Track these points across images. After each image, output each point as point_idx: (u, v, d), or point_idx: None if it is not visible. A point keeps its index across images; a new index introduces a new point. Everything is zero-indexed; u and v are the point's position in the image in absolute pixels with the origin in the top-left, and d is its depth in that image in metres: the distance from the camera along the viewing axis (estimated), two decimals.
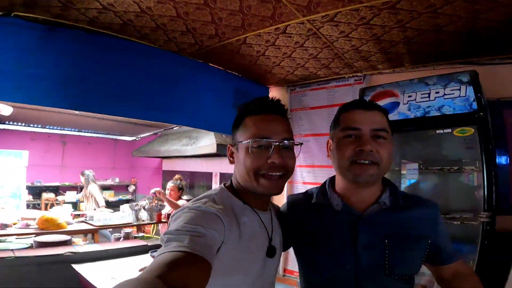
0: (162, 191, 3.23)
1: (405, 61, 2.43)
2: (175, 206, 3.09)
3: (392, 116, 2.14)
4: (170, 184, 3.30)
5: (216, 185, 5.03)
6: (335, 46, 2.17)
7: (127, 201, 6.56)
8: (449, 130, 2.06)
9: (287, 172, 0.80)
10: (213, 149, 3.87)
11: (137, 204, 3.39)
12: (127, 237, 3.08)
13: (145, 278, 0.46)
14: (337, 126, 0.90)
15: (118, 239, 3.12)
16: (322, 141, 2.94)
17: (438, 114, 2.03)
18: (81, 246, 2.56)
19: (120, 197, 6.66)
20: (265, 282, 0.84)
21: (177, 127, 5.11)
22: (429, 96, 2.06)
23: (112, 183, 6.72)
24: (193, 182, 5.58)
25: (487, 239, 1.81)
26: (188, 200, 3.40)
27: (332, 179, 0.97)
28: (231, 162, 0.87)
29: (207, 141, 4.04)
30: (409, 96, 2.13)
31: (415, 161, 2.24)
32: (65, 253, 2.26)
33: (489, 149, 1.88)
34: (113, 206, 5.48)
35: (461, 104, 1.96)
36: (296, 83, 3.15)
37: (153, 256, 2.13)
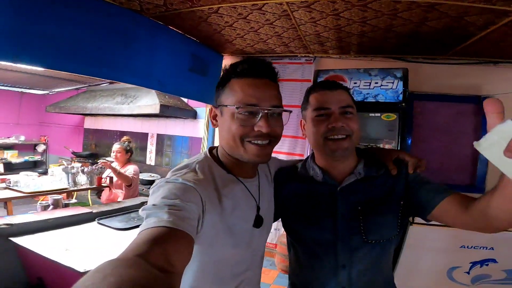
0: (109, 163, 2.98)
1: (352, 50, 2.77)
2: (123, 178, 2.90)
3: None
4: (116, 146, 3.02)
5: (152, 146, 4.85)
6: (300, 29, 2.32)
7: (35, 164, 5.72)
8: (379, 115, 2.55)
9: (275, 139, 0.77)
10: (155, 110, 3.68)
11: (73, 167, 3.04)
12: (56, 205, 2.80)
13: (126, 258, 0.44)
14: (308, 106, 0.95)
15: (45, 207, 2.82)
16: None
17: (373, 100, 2.47)
18: (15, 217, 2.27)
19: (26, 158, 5.71)
20: (255, 253, 0.82)
21: (106, 84, 4.59)
22: (370, 85, 2.47)
23: (16, 141, 5.66)
24: None
25: None
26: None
27: (313, 153, 1.02)
28: (214, 125, 0.82)
29: (149, 101, 3.80)
30: (355, 83, 2.50)
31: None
32: None
33: (404, 132, 2.43)
34: (16, 169, 4.73)
35: (392, 95, 2.44)
36: (252, 55, 3.21)
37: (100, 224, 2.08)
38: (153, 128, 4.81)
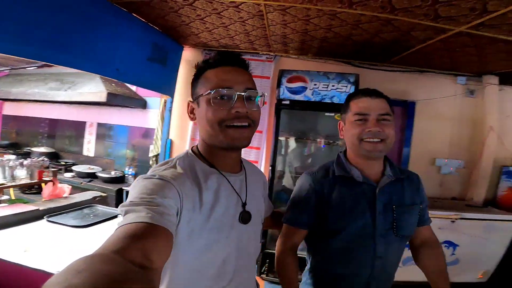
0: None
1: (310, 52, 2.99)
2: None
3: (299, 97, 2.71)
4: None
5: (91, 136, 4.39)
6: (270, 29, 2.41)
7: None
8: (333, 114, 2.84)
9: (253, 122, 0.77)
10: (101, 98, 3.34)
11: (9, 160, 2.57)
12: None
13: (102, 254, 0.42)
14: (348, 111, 1.06)
15: None
16: None
17: (330, 101, 2.74)
18: None
19: None
20: (243, 250, 0.79)
21: (34, 67, 3.95)
22: (327, 87, 2.72)
23: None
24: (54, 132, 4.57)
25: None
26: None
27: (344, 154, 1.13)
28: (192, 118, 0.82)
29: (92, 88, 3.42)
30: (315, 84, 2.72)
31: (307, 132, 2.97)
32: None
33: None
34: None
35: (345, 97, 2.73)
36: (215, 49, 3.18)
37: (51, 222, 1.90)
38: (92, 116, 4.34)
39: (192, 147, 0.85)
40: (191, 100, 0.82)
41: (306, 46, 2.78)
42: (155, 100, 3.93)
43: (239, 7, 2.03)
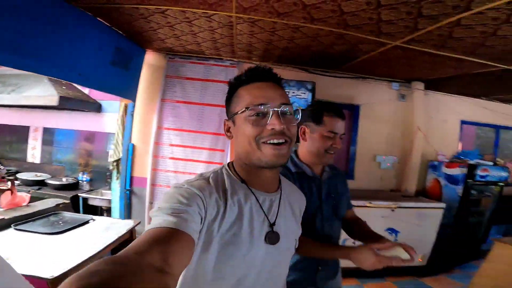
0: None
1: (272, 59, 3.23)
2: None
3: None
4: None
5: (36, 141, 4.02)
6: (237, 38, 2.58)
7: None
8: None
9: (290, 139, 0.75)
10: (52, 101, 3.11)
11: None
12: None
13: (122, 256, 0.44)
14: (322, 125, 1.24)
15: None
16: (193, 109, 3.32)
17: None
18: None
19: None
20: (266, 273, 0.76)
21: None
22: (288, 94, 2.98)
23: None
24: None
25: None
26: None
27: (295, 153, 1.34)
28: (229, 137, 0.81)
29: (41, 91, 3.17)
30: None
31: None
32: None
33: None
34: None
35: (303, 103, 3.04)
36: (180, 54, 3.22)
37: (20, 230, 1.85)
38: (37, 121, 3.98)
39: (228, 163, 0.84)
40: (227, 118, 0.82)
41: (268, 54, 3.01)
42: (110, 103, 3.79)
43: (211, 17, 2.16)
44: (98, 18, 2.30)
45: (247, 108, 0.73)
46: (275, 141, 0.72)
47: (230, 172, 0.80)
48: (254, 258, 0.73)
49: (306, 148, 1.30)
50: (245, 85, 0.77)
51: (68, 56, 2.13)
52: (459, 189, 3.47)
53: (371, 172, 3.85)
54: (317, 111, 1.26)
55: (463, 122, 4.12)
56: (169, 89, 3.32)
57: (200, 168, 3.29)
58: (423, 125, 3.76)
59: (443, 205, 3.29)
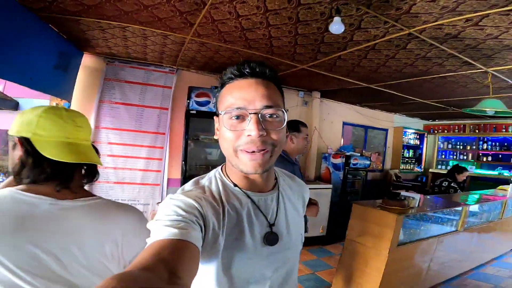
0: None
1: (208, 69, 3.75)
2: None
3: (205, 109, 3.46)
4: None
5: None
6: (184, 52, 3.03)
7: None
8: None
9: (272, 146, 0.67)
10: None
11: None
12: None
13: (130, 273, 0.43)
14: (302, 133, 2.10)
15: None
16: (132, 110, 3.55)
17: None
18: None
19: None
20: (277, 271, 0.74)
21: None
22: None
23: None
24: None
25: None
26: None
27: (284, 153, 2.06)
28: (216, 135, 0.75)
29: None
30: (214, 100, 3.52)
31: (211, 135, 3.76)
32: None
33: None
34: None
35: None
36: (122, 58, 3.36)
37: None
38: None
39: (222, 166, 0.80)
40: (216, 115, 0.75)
41: (207, 65, 3.54)
42: (28, 101, 3.53)
43: (168, 36, 2.56)
44: (51, 25, 2.37)
45: (223, 111, 0.67)
46: (253, 149, 0.65)
47: (223, 177, 0.76)
48: (259, 260, 0.71)
49: (293, 148, 2.09)
50: (231, 82, 0.70)
51: (20, 61, 2.18)
52: (341, 174, 4.74)
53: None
54: (295, 124, 2.13)
55: (344, 123, 5.57)
56: (108, 91, 3.44)
57: (140, 164, 3.58)
58: (318, 125, 4.95)
59: (331, 186, 4.49)
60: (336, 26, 1.78)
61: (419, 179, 6.63)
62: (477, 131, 6.12)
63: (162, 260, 0.48)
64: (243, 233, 0.70)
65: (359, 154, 5.02)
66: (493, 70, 2.79)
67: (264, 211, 0.75)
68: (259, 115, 0.65)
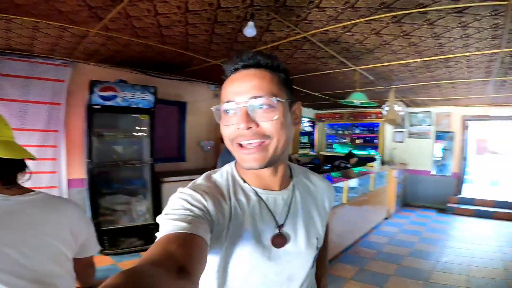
0: None
1: (112, 63, 3.50)
2: None
3: (111, 103, 3.25)
4: None
5: None
6: (85, 45, 2.77)
7: None
8: (138, 116, 3.61)
9: (267, 138, 0.64)
10: None
11: None
12: None
13: (140, 268, 0.42)
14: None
15: None
16: (11, 106, 3.04)
17: (135, 106, 3.49)
18: None
19: None
20: (282, 276, 0.70)
21: None
22: (134, 96, 3.43)
23: None
24: None
25: (152, 174, 3.72)
26: None
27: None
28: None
29: None
30: (124, 94, 3.35)
31: (118, 129, 3.56)
32: None
33: (153, 126, 3.70)
34: None
35: (147, 103, 3.58)
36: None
37: None
38: None
39: (235, 161, 0.77)
40: None
41: (112, 59, 3.29)
42: None
43: (67, 29, 2.33)
44: None
45: (215, 107, 0.68)
46: (244, 142, 0.64)
47: (235, 172, 0.75)
48: (261, 261, 0.68)
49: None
50: (227, 78, 0.69)
51: None
52: None
53: (198, 154, 4.97)
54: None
55: None
56: None
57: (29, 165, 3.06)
58: None
59: None
60: (250, 30, 2.03)
61: (314, 161, 7.78)
62: (351, 118, 7.57)
63: (171, 255, 0.48)
64: (248, 231, 0.68)
65: None
66: (360, 69, 3.61)
67: (273, 210, 0.71)
68: (248, 106, 0.63)
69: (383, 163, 6.12)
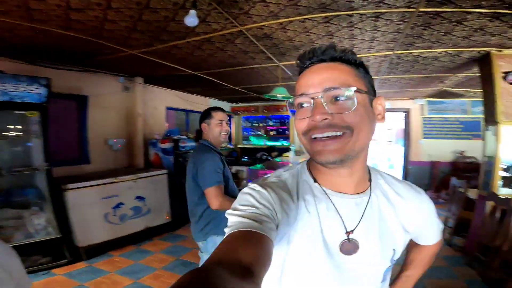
0: None
1: None
2: None
3: None
4: None
5: None
6: None
7: None
8: (24, 112, 2.82)
9: (346, 129, 0.59)
10: None
11: None
12: None
13: (207, 268, 0.43)
14: (211, 118, 1.91)
15: None
16: None
17: (20, 101, 2.70)
18: None
19: None
20: (342, 286, 0.65)
21: None
22: (18, 88, 2.64)
23: None
24: None
25: (50, 181, 3.05)
26: None
27: (207, 141, 1.90)
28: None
29: None
30: (3, 86, 2.52)
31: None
32: None
33: (46, 125, 2.96)
34: None
35: (37, 97, 2.82)
36: None
37: None
38: None
39: (309, 158, 0.72)
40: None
41: None
42: None
43: None
44: None
45: (288, 101, 0.66)
46: (319, 135, 0.60)
47: (306, 171, 0.71)
48: (326, 267, 0.64)
49: (211, 137, 1.88)
50: (302, 71, 0.66)
51: None
52: (171, 158, 4.77)
53: (105, 154, 4.30)
54: (207, 111, 1.94)
55: (168, 108, 5.57)
56: None
57: None
58: (142, 111, 4.71)
59: (165, 171, 4.42)
60: (191, 19, 1.79)
61: (233, 154, 7.81)
62: (265, 111, 7.90)
63: (237, 255, 0.47)
64: (315, 233, 0.64)
65: (186, 137, 5.23)
66: (283, 64, 3.74)
67: (343, 215, 0.66)
68: (322, 98, 0.59)
69: (296, 153, 6.62)
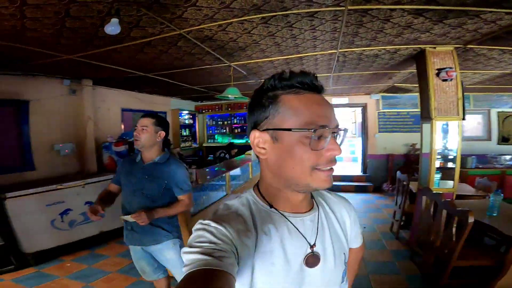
0: None
1: None
2: None
3: None
4: None
5: None
6: None
7: None
8: None
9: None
10: None
11: None
12: None
13: None
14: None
15: None
16: None
17: None
18: None
19: None
20: None
21: None
22: None
23: None
24: None
25: None
26: None
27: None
28: (261, 154, 0.67)
29: None
30: None
31: None
32: None
33: None
34: None
35: None
36: None
37: None
38: None
39: (254, 186, 0.76)
40: (256, 128, 0.67)
41: None
42: None
43: None
44: None
45: (311, 129, 0.61)
46: (332, 166, 0.64)
47: (257, 199, 0.72)
48: (295, 284, 0.66)
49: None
50: (294, 94, 0.64)
51: None
52: None
53: (51, 160, 4.08)
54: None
55: (123, 110, 5.37)
56: None
57: None
58: (92, 114, 4.51)
59: None
60: (112, 28, 1.73)
61: (198, 153, 7.71)
62: (230, 109, 7.89)
63: None
64: (278, 257, 0.65)
65: None
66: (234, 64, 3.74)
67: (303, 232, 0.69)
68: (336, 134, 0.65)
69: None
